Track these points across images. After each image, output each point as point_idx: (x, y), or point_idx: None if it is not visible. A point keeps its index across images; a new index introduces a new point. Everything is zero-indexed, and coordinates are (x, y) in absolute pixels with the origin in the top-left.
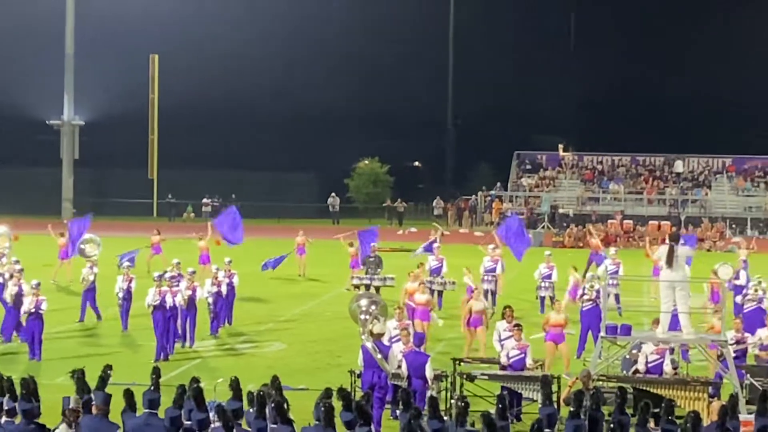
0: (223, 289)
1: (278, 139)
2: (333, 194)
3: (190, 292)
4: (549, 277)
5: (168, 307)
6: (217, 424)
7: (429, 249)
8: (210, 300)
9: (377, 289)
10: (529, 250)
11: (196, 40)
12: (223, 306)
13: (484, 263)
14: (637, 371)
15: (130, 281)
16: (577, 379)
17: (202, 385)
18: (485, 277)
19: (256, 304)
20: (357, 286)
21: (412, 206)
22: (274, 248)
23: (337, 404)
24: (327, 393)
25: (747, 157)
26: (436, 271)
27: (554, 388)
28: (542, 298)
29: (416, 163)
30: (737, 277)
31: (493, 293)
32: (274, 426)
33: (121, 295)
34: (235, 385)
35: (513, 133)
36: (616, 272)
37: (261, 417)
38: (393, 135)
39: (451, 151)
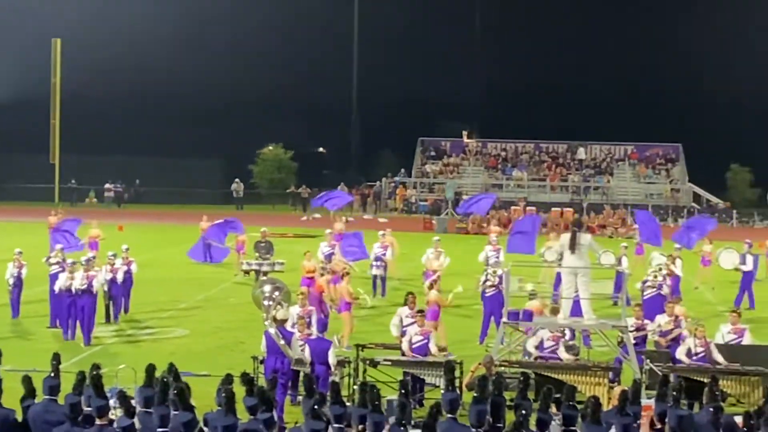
0: (120, 276)
1: (182, 125)
2: (237, 180)
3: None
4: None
5: (81, 292)
6: (120, 410)
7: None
8: (105, 288)
9: (265, 274)
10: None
11: (99, 25)
12: (120, 293)
13: (374, 250)
14: (539, 357)
15: (21, 268)
16: (480, 364)
17: (103, 371)
18: (375, 264)
19: (157, 290)
20: (247, 272)
21: (317, 192)
22: (177, 234)
23: (240, 390)
24: (228, 379)
25: (649, 144)
26: (328, 257)
27: (457, 373)
28: (374, 276)
29: (321, 150)
30: (744, 263)
31: (383, 279)
32: (176, 412)
33: (11, 281)
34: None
35: (417, 120)
36: (383, 255)
37: (163, 404)
38: (297, 121)
39: (355, 137)
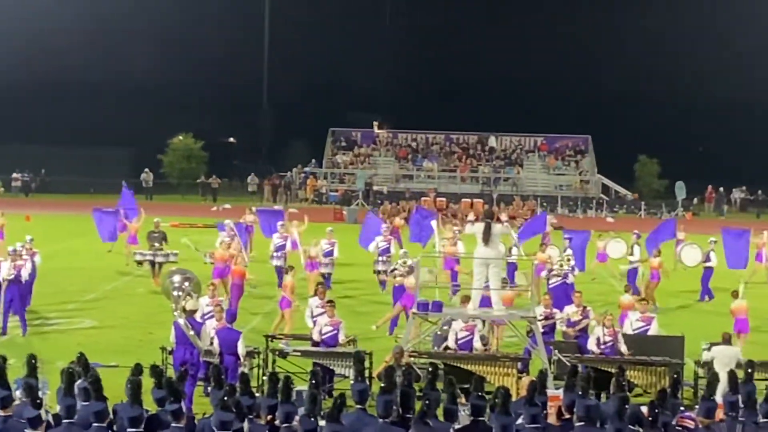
0: (26, 270)
1: (91, 114)
2: (146, 170)
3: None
4: (387, 251)
5: (9, 282)
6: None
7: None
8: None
9: (160, 265)
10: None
11: (3, 11)
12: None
13: (321, 245)
14: (447, 347)
15: None
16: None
17: (11, 362)
18: (324, 261)
19: (64, 281)
20: (140, 262)
21: (227, 182)
22: (86, 224)
23: (149, 381)
24: (137, 370)
25: (558, 136)
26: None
27: (366, 364)
28: (378, 272)
29: (231, 140)
30: (632, 254)
31: (329, 275)
32: (86, 403)
33: None
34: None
35: (328, 110)
36: (387, 249)
37: (69, 395)
38: (207, 111)
39: (266, 127)
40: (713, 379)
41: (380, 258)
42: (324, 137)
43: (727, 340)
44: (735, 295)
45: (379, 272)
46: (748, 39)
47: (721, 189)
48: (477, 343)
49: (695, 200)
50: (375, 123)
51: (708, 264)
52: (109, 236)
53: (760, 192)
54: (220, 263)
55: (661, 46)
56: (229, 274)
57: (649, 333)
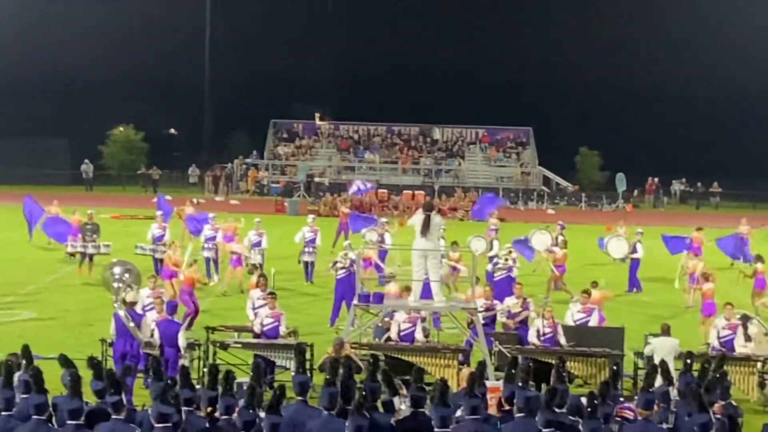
0: None
1: (30, 104)
2: (86, 161)
3: None
4: (312, 241)
5: None
6: None
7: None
8: None
9: (91, 257)
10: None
11: None
12: None
13: (249, 237)
14: (389, 339)
15: None
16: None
17: None
18: (306, 249)
19: (2, 273)
20: (72, 254)
21: (168, 174)
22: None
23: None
24: (63, 361)
25: (500, 128)
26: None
27: (308, 356)
28: (306, 264)
29: (172, 131)
30: (491, 248)
31: (313, 265)
32: (25, 396)
33: None
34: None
35: (270, 102)
36: (314, 240)
37: (8, 387)
38: (148, 102)
39: (207, 118)
40: (652, 371)
41: (306, 249)
42: (265, 129)
43: (666, 331)
44: (705, 277)
45: (306, 263)
46: (688, 31)
47: (655, 179)
48: (419, 335)
49: (635, 192)
50: (317, 115)
51: (635, 255)
52: (56, 236)
53: (699, 184)
54: (169, 268)
55: (601, 39)
56: (176, 277)
57: (590, 324)
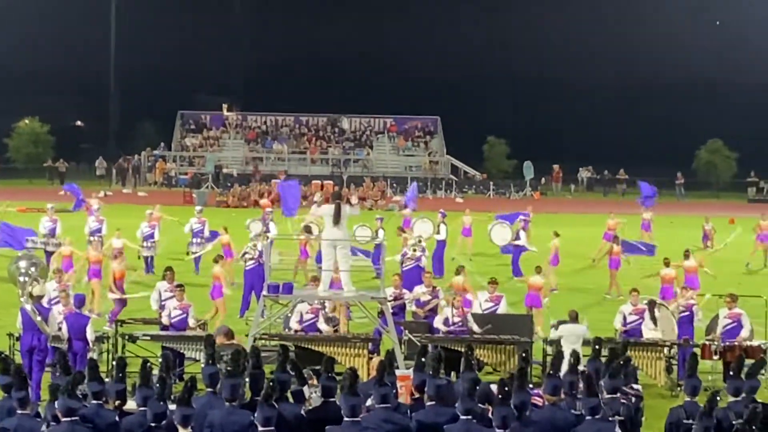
0: None
1: None
2: None
3: None
4: (200, 233)
5: None
6: None
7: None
8: None
9: None
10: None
11: None
12: None
13: (141, 229)
14: (293, 329)
15: None
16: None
17: None
18: (145, 244)
19: None
20: None
21: (74, 166)
22: None
23: None
24: None
25: (408, 117)
26: (97, 232)
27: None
28: (146, 258)
29: (78, 123)
30: (438, 232)
31: (152, 258)
32: None
33: None
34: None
35: (176, 93)
36: (201, 231)
37: None
38: (54, 94)
39: (114, 110)
40: (558, 357)
41: (194, 240)
42: (173, 120)
43: (574, 318)
44: (666, 263)
45: (194, 254)
46: (591, 22)
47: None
48: (322, 325)
49: (543, 180)
50: (224, 105)
51: (518, 242)
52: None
53: (606, 171)
54: (95, 264)
55: (506, 29)
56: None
57: (498, 312)
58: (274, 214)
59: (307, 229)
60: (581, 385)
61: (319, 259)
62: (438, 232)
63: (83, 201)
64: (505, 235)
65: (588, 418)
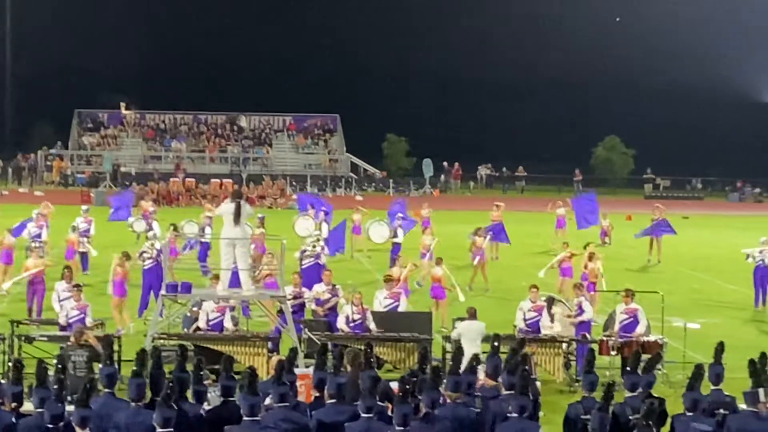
0: None
1: None
2: None
3: None
4: (87, 232)
5: None
6: None
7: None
8: None
9: None
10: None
11: None
12: None
13: (29, 229)
14: (198, 329)
15: None
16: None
17: None
18: (80, 240)
19: None
20: None
21: None
22: None
23: None
24: None
25: (307, 115)
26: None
27: (116, 347)
28: (83, 254)
29: None
30: (396, 235)
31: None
32: None
33: None
34: None
35: (74, 91)
36: (88, 230)
37: None
38: None
39: (9, 108)
40: (458, 354)
41: (81, 239)
42: (70, 118)
43: (472, 315)
44: (590, 257)
45: (80, 253)
46: (490, 19)
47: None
48: (228, 324)
49: (442, 177)
50: (122, 104)
51: (396, 240)
52: None
53: (504, 169)
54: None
55: (404, 27)
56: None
57: (399, 310)
58: (157, 213)
59: (175, 228)
60: (517, 383)
61: (202, 257)
62: (395, 236)
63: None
64: (383, 232)
65: (514, 415)
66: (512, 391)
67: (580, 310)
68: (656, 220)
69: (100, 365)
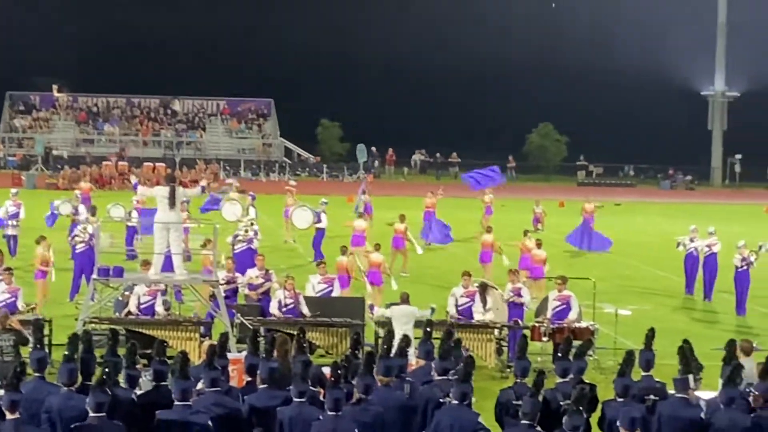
0: None
1: None
2: None
3: None
4: (16, 215)
5: None
6: None
7: None
8: None
9: None
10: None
11: None
12: None
13: (7, 208)
14: (129, 313)
15: None
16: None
17: None
18: (10, 223)
19: None
20: None
21: None
22: None
23: None
24: None
25: (241, 99)
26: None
27: (46, 331)
28: (8, 237)
29: None
30: (319, 221)
31: (16, 239)
32: None
33: None
34: None
35: (5, 73)
36: (17, 214)
37: None
38: None
39: None
40: (389, 338)
41: (10, 222)
42: (1, 101)
43: (405, 300)
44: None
45: (7, 237)
46: (422, 5)
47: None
48: (159, 308)
49: (376, 163)
50: (54, 86)
51: (319, 225)
52: None
53: (438, 155)
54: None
55: (338, 12)
56: None
57: (333, 295)
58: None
59: (92, 211)
60: (461, 370)
61: (129, 241)
62: (247, 214)
63: None
64: (307, 217)
65: (455, 402)
66: (445, 377)
67: (518, 295)
68: (586, 217)
69: (30, 349)
